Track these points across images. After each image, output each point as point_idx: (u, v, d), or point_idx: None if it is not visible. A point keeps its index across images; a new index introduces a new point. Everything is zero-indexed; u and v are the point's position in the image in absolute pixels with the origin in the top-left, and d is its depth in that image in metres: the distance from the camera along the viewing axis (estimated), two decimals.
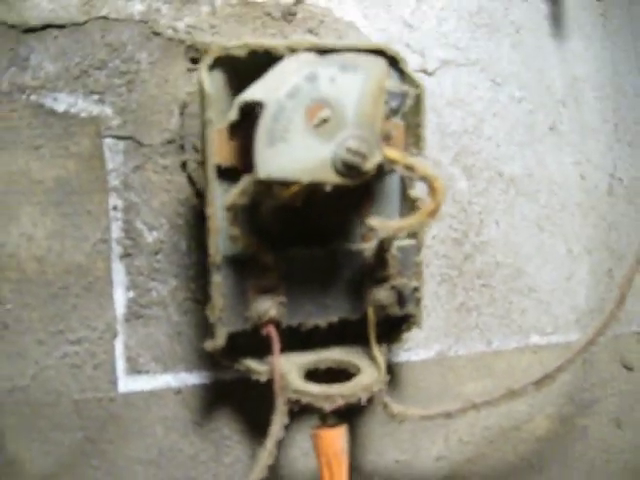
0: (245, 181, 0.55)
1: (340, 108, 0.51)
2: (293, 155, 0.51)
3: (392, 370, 0.81)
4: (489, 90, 0.87)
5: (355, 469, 0.72)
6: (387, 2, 0.82)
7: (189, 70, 0.77)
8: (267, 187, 0.55)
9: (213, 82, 0.60)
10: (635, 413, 0.97)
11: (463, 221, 0.85)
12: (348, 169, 0.52)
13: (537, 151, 0.89)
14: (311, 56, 0.52)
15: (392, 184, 0.68)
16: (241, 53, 0.59)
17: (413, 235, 0.66)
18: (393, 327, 0.70)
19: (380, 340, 0.68)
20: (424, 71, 0.83)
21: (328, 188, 0.53)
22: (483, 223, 0.86)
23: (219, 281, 0.61)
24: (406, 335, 0.72)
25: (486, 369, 0.86)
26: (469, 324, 0.86)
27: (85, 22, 0.74)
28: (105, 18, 0.75)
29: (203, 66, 0.59)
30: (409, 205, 0.66)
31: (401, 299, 0.65)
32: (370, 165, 0.52)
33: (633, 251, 0.77)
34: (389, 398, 0.65)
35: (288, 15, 0.79)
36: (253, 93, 0.54)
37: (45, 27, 0.73)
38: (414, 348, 0.84)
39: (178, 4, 0.77)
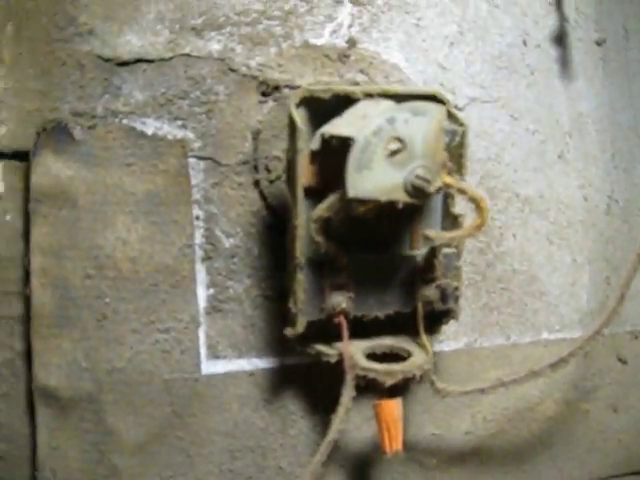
0: (332, 198, 0.69)
1: (411, 143, 0.66)
2: (375, 180, 0.65)
3: None
4: (508, 124, 1.00)
5: None
6: (424, 47, 0.96)
7: (260, 102, 0.88)
8: (347, 204, 0.69)
9: (299, 119, 0.73)
10: (629, 400, 1.09)
11: (487, 234, 0.97)
12: (416, 191, 0.66)
13: (547, 176, 1.02)
14: (391, 103, 0.67)
15: (436, 202, 0.82)
16: (325, 96, 0.72)
17: (454, 245, 0.80)
18: (434, 320, 0.84)
19: (424, 331, 0.82)
20: (455, 107, 0.96)
21: (400, 205, 0.67)
22: (503, 236, 0.99)
23: (302, 279, 0.74)
24: (443, 328, 0.86)
25: (505, 359, 0.98)
26: (491, 321, 0.98)
27: (170, 58, 0.85)
28: (188, 55, 0.86)
29: (292, 103, 0.73)
30: (450, 219, 0.80)
31: (444, 296, 0.79)
32: (433, 188, 0.66)
33: (628, 260, 0.90)
34: (435, 377, 0.78)
35: (343, 57, 0.92)
36: (340, 129, 0.68)
37: (136, 61, 0.84)
38: (446, 340, 0.96)
39: (250, 45, 0.88)
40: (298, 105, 0.73)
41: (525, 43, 1.02)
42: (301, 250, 0.73)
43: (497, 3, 1.01)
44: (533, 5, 1.03)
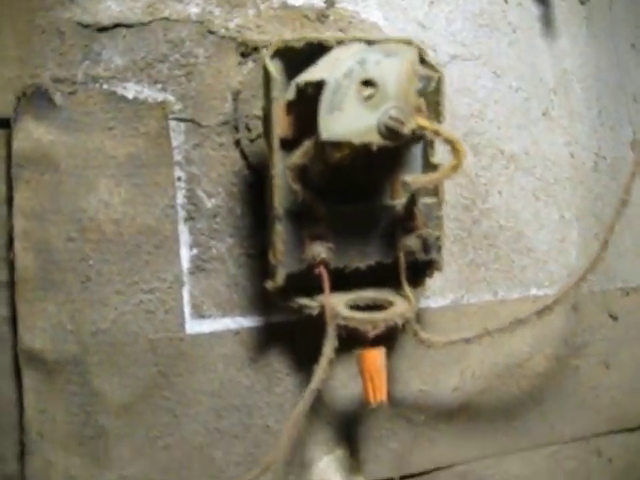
0: (307, 144, 0.69)
1: (383, 85, 0.65)
2: (347, 121, 0.65)
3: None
4: (490, 80, 1.00)
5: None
6: (404, 6, 0.96)
7: (239, 63, 0.88)
8: (322, 150, 0.69)
9: (274, 69, 0.74)
10: (620, 356, 1.08)
11: (471, 191, 0.97)
12: (390, 133, 0.66)
13: (532, 133, 1.02)
14: (362, 45, 0.66)
15: (416, 152, 0.81)
16: (299, 45, 0.72)
17: (435, 194, 0.80)
18: (418, 273, 0.83)
19: (408, 283, 0.82)
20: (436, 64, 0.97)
21: (374, 148, 0.66)
22: (488, 193, 0.98)
23: (280, 229, 0.74)
24: (428, 282, 0.85)
25: (493, 315, 0.97)
26: (478, 277, 0.98)
27: (150, 22, 0.85)
28: (167, 19, 0.86)
29: (267, 55, 0.73)
30: (430, 169, 0.79)
31: (426, 246, 0.79)
32: (407, 129, 0.66)
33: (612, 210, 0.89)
34: (418, 326, 0.78)
35: (322, 17, 0.93)
36: (313, 75, 0.68)
37: (115, 26, 0.84)
38: (432, 296, 0.95)
39: (228, 7, 0.88)
40: (273, 57, 0.73)
41: (506, 1, 1.02)
42: (279, 201, 0.73)
43: None
44: None
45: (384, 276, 0.81)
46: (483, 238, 0.99)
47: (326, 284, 0.75)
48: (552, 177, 1.04)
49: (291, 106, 0.73)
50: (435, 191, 0.80)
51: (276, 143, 0.72)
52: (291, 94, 0.72)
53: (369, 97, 0.65)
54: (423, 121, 0.67)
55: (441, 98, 0.77)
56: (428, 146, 0.79)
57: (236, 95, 0.88)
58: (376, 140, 0.66)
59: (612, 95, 1.10)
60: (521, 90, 1.02)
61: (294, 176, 0.71)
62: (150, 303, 0.85)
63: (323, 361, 0.73)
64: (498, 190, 1.00)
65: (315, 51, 0.72)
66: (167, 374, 0.85)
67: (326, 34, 0.74)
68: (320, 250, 0.75)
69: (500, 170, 1.00)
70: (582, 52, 1.08)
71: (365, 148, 0.66)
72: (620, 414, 1.09)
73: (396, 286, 0.80)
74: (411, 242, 0.78)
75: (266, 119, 0.76)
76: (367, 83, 0.65)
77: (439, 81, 0.76)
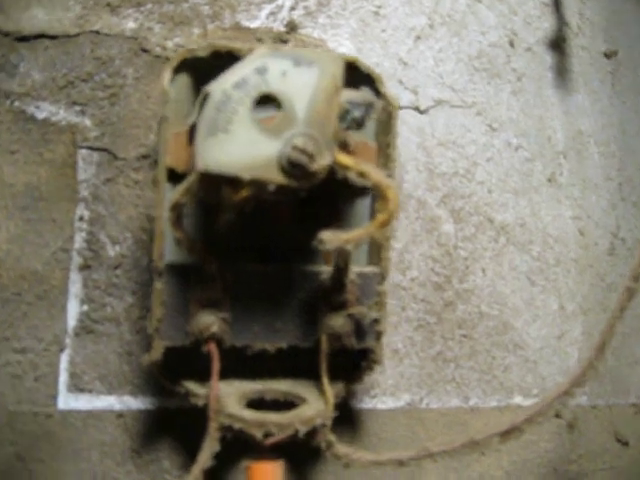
0: (190, 179, 0.52)
1: (290, 104, 0.49)
2: (235, 148, 0.48)
3: (354, 416, 0.73)
4: (484, 134, 0.83)
5: None
6: (383, 38, 0.81)
7: None
8: (214, 188, 0.52)
9: (178, 85, 0.58)
10: None
11: (447, 266, 0.79)
12: (294, 169, 0.49)
13: (532, 201, 0.85)
14: (265, 50, 0.50)
15: (362, 209, 0.64)
16: (204, 54, 0.57)
17: (377, 262, 0.62)
18: (354, 364, 0.64)
19: (338, 377, 0.63)
20: (416, 108, 0.80)
21: (271, 188, 0.49)
22: (468, 269, 0.81)
23: (160, 288, 0.57)
24: (372, 378, 0.67)
25: (460, 426, 0.77)
26: (445, 376, 0.79)
27: (77, 35, 0.74)
28: (97, 32, 0.75)
29: (168, 66, 0.58)
30: None
31: (359, 330, 0.60)
32: (317, 166, 0.49)
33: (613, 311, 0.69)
34: (335, 437, 0.58)
35: (279, 42, 0.78)
36: (207, 87, 0.52)
37: (38, 37, 0.74)
38: (381, 395, 0.76)
39: (171, 24, 0.77)
40: (177, 69, 0.58)
41: (512, 44, 0.87)
42: (160, 251, 0.56)
43: None
44: (524, 4, 0.89)
45: (304, 361, 0.62)
46: (456, 327, 0.81)
47: (215, 367, 0.57)
48: (553, 257, 0.86)
49: (194, 132, 0.56)
50: (377, 258, 0.61)
51: (162, 175, 0.56)
52: (194, 117, 0.56)
53: (268, 118, 0.48)
54: (344, 158, 0.50)
55: (392, 138, 0.60)
56: (378, 199, 0.61)
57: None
58: (275, 178, 0.49)
59: (638, 165, 0.93)
60: (522, 149, 0.86)
61: (175, 218, 0.53)
62: (18, 366, 0.70)
63: (195, 470, 0.54)
64: (482, 267, 0.83)
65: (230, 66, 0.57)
66: (25, 458, 0.69)
67: (238, 43, 0.58)
68: (211, 321, 0.57)
69: (487, 243, 0.83)
70: (604, 112, 0.92)
71: (261, 188, 0.49)
72: None
73: (318, 377, 0.61)
74: (337, 323, 0.59)
75: (159, 146, 0.60)
76: (267, 99, 0.48)
77: (390, 116, 0.59)
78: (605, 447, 0.86)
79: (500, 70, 0.85)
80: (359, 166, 0.50)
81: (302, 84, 0.49)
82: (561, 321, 0.85)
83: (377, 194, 0.51)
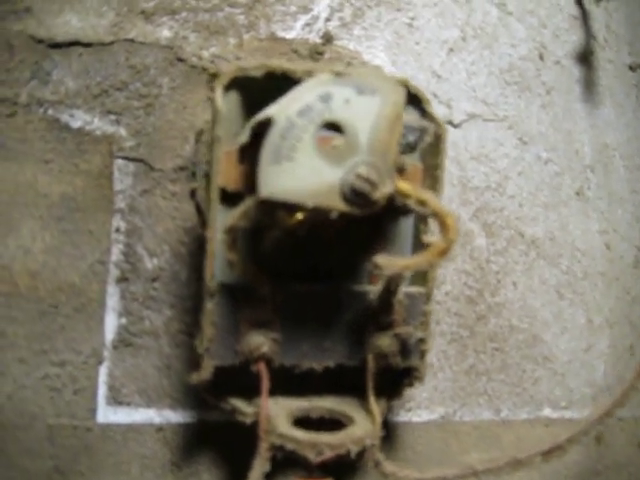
0: (247, 202, 0.52)
1: (353, 131, 0.49)
2: (299, 176, 0.48)
3: (390, 429, 0.74)
4: (515, 148, 0.84)
5: None
6: (417, 51, 0.81)
7: (209, 98, 0.75)
8: (271, 212, 0.52)
9: (228, 102, 0.58)
10: None
11: (479, 279, 0.80)
12: (356, 197, 0.49)
13: (561, 215, 0.85)
14: (328, 76, 0.50)
15: (406, 228, 0.64)
16: (258, 74, 0.57)
17: (423, 282, 0.62)
18: (395, 381, 0.65)
19: (380, 393, 0.63)
20: (450, 122, 0.81)
21: (334, 215, 0.49)
22: (500, 283, 0.81)
23: (211, 308, 0.57)
24: (408, 392, 0.67)
25: (492, 439, 0.79)
26: (477, 389, 0.80)
27: (111, 43, 0.74)
28: (132, 41, 0.74)
29: (218, 84, 0.57)
30: (421, 250, 0.62)
31: (404, 349, 0.61)
32: (380, 194, 0.49)
33: None
34: (382, 455, 0.59)
35: (315, 54, 0.78)
36: (265, 112, 0.52)
37: (71, 44, 0.73)
38: (416, 409, 0.77)
39: (206, 34, 0.76)
40: (227, 87, 0.58)
41: (542, 57, 0.87)
42: (212, 272, 0.56)
43: (510, 10, 0.86)
44: (554, 17, 0.89)
45: (351, 380, 0.63)
46: (488, 340, 0.81)
47: (265, 386, 0.57)
48: (581, 271, 0.87)
49: (245, 151, 0.56)
50: (423, 279, 0.62)
51: (215, 196, 0.56)
52: (245, 137, 0.56)
53: (332, 146, 0.48)
54: (405, 186, 0.50)
55: (441, 160, 0.60)
56: (421, 222, 0.62)
57: (199, 136, 0.73)
58: (337, 205, 0.49)
59: None
60: (552, 163, 0.86)
61: (231, 241, 0.53)
62: (57, 379, 0.70)
63: None
64: (513, 281, 0.83)
65: (282, 85, 0.56)
66: (65, 471, 0.70)
67: (294, 64, 0.58)
68: (261, 341, 0.57)
69: (518, 257, 0.83)
70: (629, 125, 0.93)
71: (322, 214, 0.49)
72: None
73: (363, 395, 0.62)
74: (384, 342, 0.59)
75: (209, 164, 0.60)
76: (331, 127, 0.49)
77: (440, 138, 0.59)
78: (631, 459, 0.87)
79: (530, 83, 0.86)
80: (418, 193, 0.51)
81: (365, 112, 0.49)
82: (588, 334, 0.86)
83: (436, 222, 0.51)
